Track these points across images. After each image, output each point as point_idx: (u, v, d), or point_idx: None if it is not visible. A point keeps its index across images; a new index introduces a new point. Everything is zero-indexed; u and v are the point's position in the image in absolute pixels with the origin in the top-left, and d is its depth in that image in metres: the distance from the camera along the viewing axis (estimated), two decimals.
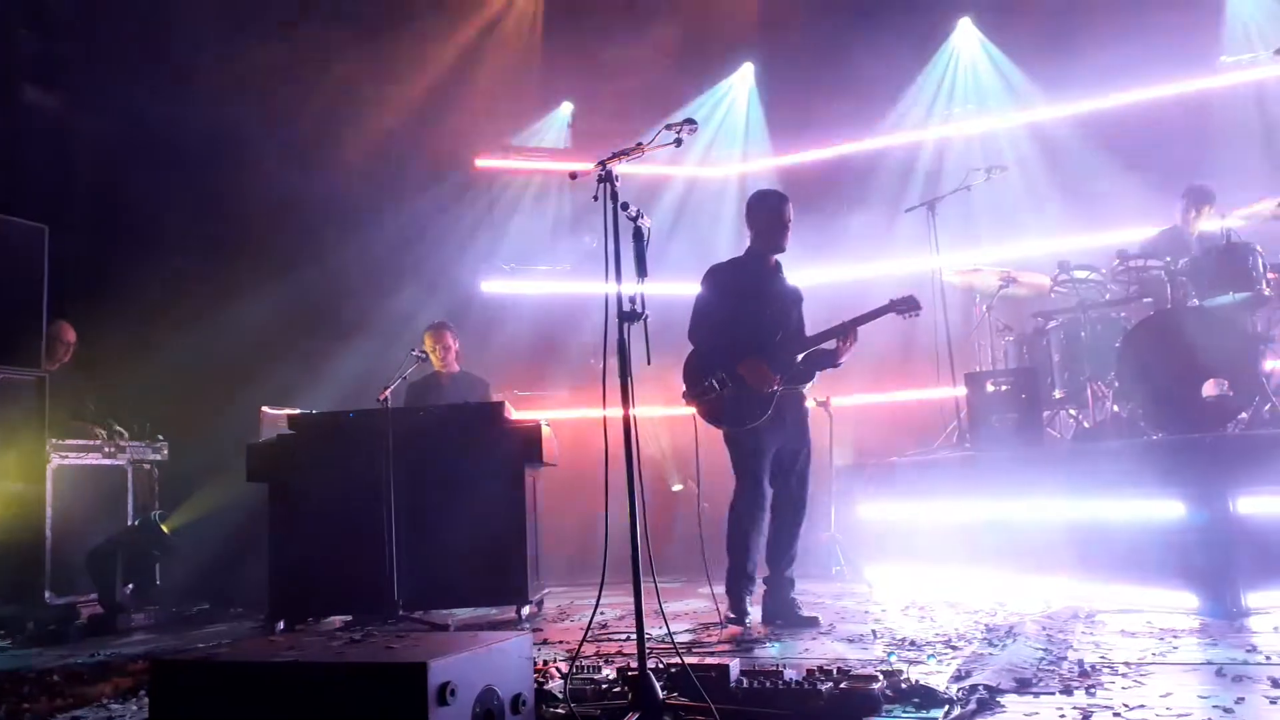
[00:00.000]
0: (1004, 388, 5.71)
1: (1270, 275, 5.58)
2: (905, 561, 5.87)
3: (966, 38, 8.47)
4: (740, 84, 8.96)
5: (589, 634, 3.39)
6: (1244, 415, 5.25)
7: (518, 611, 5.14)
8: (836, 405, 6.65)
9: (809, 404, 4.81)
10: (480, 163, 8.42)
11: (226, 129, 7.08)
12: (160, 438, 6.25)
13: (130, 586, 5.83)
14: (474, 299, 8.08)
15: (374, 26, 7.86)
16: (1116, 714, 2.65)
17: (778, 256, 4.84)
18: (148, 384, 6.43)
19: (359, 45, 7.69)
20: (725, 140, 8.96)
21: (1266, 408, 5.18)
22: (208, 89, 7.05)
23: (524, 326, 7.98)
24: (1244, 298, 5.56)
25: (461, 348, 6.38)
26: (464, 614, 5.35)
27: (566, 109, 8.78)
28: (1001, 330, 6.61)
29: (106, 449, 5.98)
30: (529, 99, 8.66)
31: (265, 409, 6.14)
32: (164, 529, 5.97)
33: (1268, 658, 3.26)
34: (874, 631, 4.22)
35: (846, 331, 4.55)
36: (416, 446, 5.14)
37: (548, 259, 8.41)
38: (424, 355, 5.79)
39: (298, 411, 5.62)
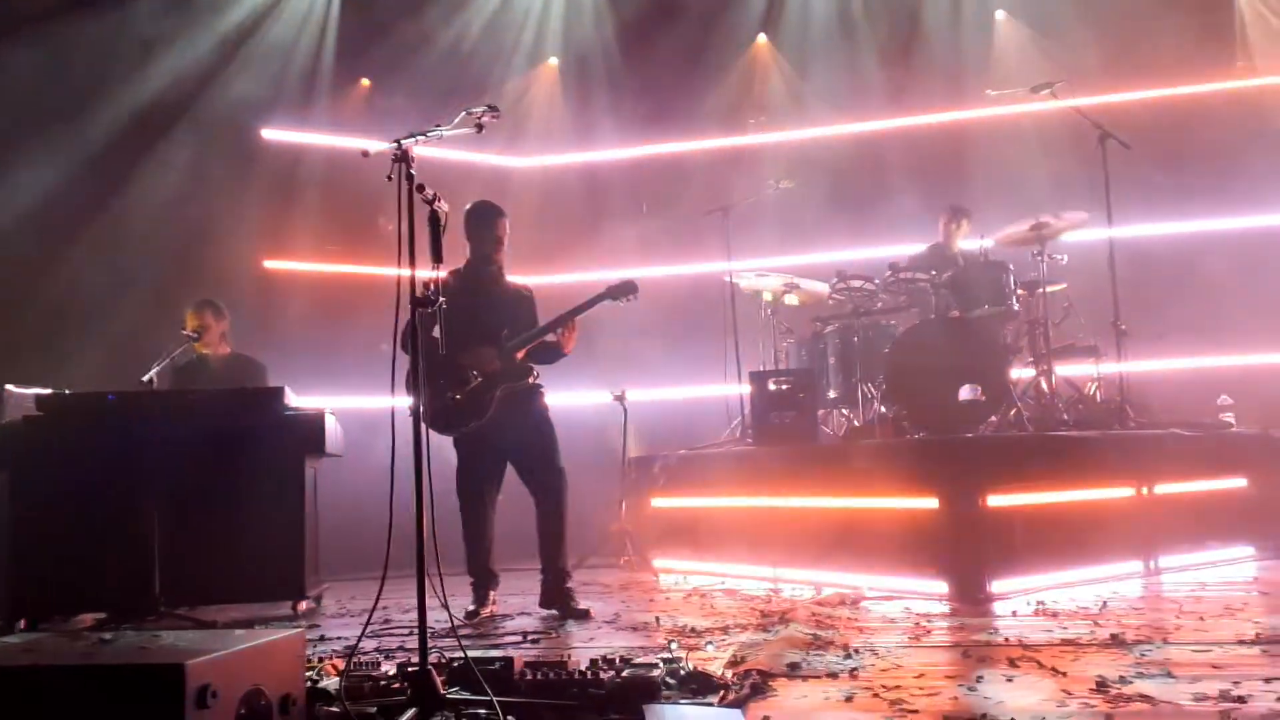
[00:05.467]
0: (784, 387, 5.98)
1: (1020, 292, 6.17)
2: (691, 551, 6.06)
3: (763, 52, 8.82)
4: (545, 77, 8.93)
5: (368, 629, 3.27)
6: (994, 419, 5.76)
7: (294, 607, 4.90)
8: (631, 399, 6.78)
9: (545, 398, 4.86)
10: (268, 134, 7.95)
11: None
12: None
13: None
14: (255, 277, 7.63)
15: None
16: (876, 694, 2.83)
17: (500, 260, 4.90)
18: None
19: None
20: (529, 131, 8.90)
21: (1013, 412, 5.71)
22: None
23: (310, 308, 7.62)
24: (997, 311, 6.11)
25: (230, 328, 5.99)
26: (236, 610, 5.05)
27: (364, 86, 8.45)
28: (784, 333, 6.93)
29: None
30: (323, 72, 8.26)
31: (10, 387, 5.51)
32: None
33: (1006, 639, 3.58)
34: (657, 620, 4.32)
35: (563, 323, 4.63)
36: (185, 433, 4.78)
37: (338, 239, 8.06)
38: (195, 334, 5.40)
39: (48, 391, 5.10)
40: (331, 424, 5.17)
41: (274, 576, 4.88)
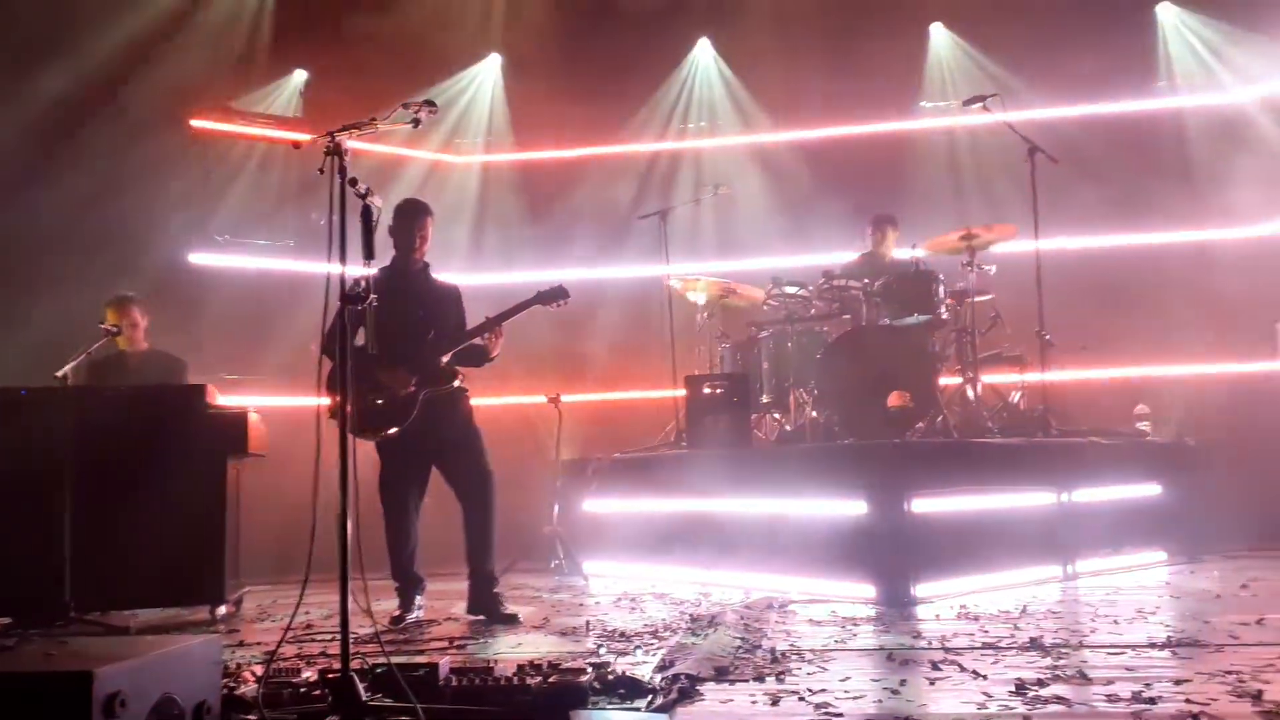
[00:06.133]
0: (719, 391, 6.01)
1: (949, 301, 6.28)
2: (622, 555, 6.05)
3: (704, 57, 8.86)
4: (487, 73, 8.85)
5: (289, 634, 3.19)
6: (921, 425, 5.86)
7: (211, 612, 4.77)
8: (566, 402, 6.74)
9: (470, 400, 4.78)
10: (196, 123, 7.72)
11: None
12: None
13: None
14: (180, 271, 7.41)
15: None
16: (802, 698, 2.85)
17: (426, 260, 4.82)
18: None
19: None
20: (468, 128, 8.82)
21: (939, 419, 5.81)
22: None
23: (237, 304, 7.42)
24: (926, 320, 6.22)
25: (151, 324, 5.81)
26: (151, 615, 4.89)
27: (299, 77, 8.27)
28: (719, 337, 6.96)
29: None
30: (257, 61, 8.06)
31: None
32: None
33: (929, 643, 3.64)
34: (587, 624, 4.30)
35: (490, 328, 4.58)
36: (102, 431, 4.62)
37: (268, 233, 7.87)
38: (115, 329, 5.23)
39: None
40: (255, 422, 5.05)
41: (192, 580, 4.74)
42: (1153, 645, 3.45)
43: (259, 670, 3.03)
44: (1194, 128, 7.83)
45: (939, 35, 8.50)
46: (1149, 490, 5.88)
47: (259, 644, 4.05)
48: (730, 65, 8.77)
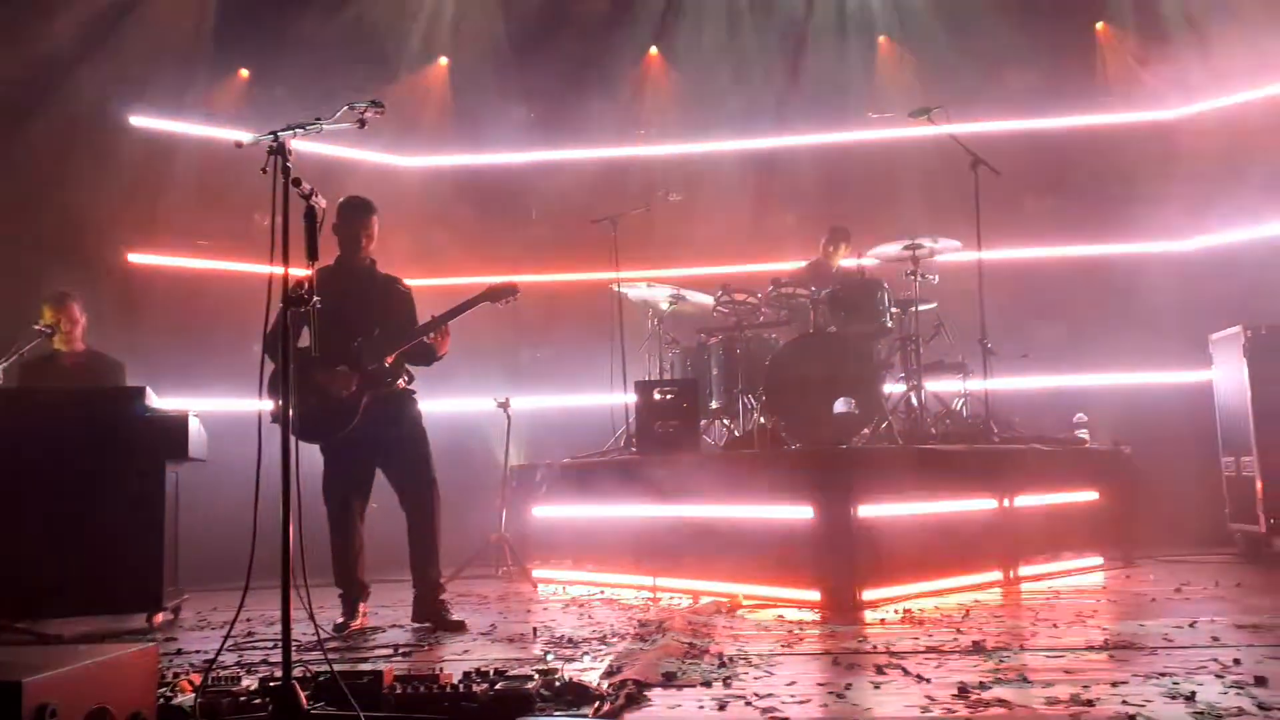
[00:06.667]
0: (669, 396, 6.03)
1: (894, 309, 6.37)
2: (571, 560, 6.03)
3: (655, 65, 8.88)
4: (435, 77, 8.78)
5: (229, 641, 3.12)
6: (866, 431, 5.93)
7: (149, 619, 4.65)
8: (515, 406, 6.70)
9: (418, 404, 4.71)
10: (136, 120, 7.54)
11: None
12: None
13: None
14: (118, 271, 7.23)
15: None
16: (748, 703, 2.86)
17: (372, 258, 4.75)
18: None
19: None
20: (416, 130, 8.73)
21: (884, 425, 5.89)
22: None
23: (177, 305, 7.26)
24: (872, 328, 6.30)
25: (89, 324, 5.65)
26: (86, 624, 4.75)
27: (243, 76, 8.12)
28: (670, 343, 6.98)
29: None
30: (200, 59, 7.90)
31: None
32: None
33: (874, 647, 3.68)
34: (534, 630, 4.27)
35: (437, 326, 4.51)
36: (34, 434, 4.50)
37: (209, 233, 7.70)
38: (50, 329, 5.08)
39: None
40: (195, 426, 4.94)
41: (129, 587, 4.62)
42: (1091, 648, 3.52)
43: (197, 679, 2.95)
44: (1130, 143, 8.06)
45: (885, 46, 8.63)
46: (1087, 496, 6.02)
47: (198, 652, 3.96)
48: (681, 74, 8.80)
